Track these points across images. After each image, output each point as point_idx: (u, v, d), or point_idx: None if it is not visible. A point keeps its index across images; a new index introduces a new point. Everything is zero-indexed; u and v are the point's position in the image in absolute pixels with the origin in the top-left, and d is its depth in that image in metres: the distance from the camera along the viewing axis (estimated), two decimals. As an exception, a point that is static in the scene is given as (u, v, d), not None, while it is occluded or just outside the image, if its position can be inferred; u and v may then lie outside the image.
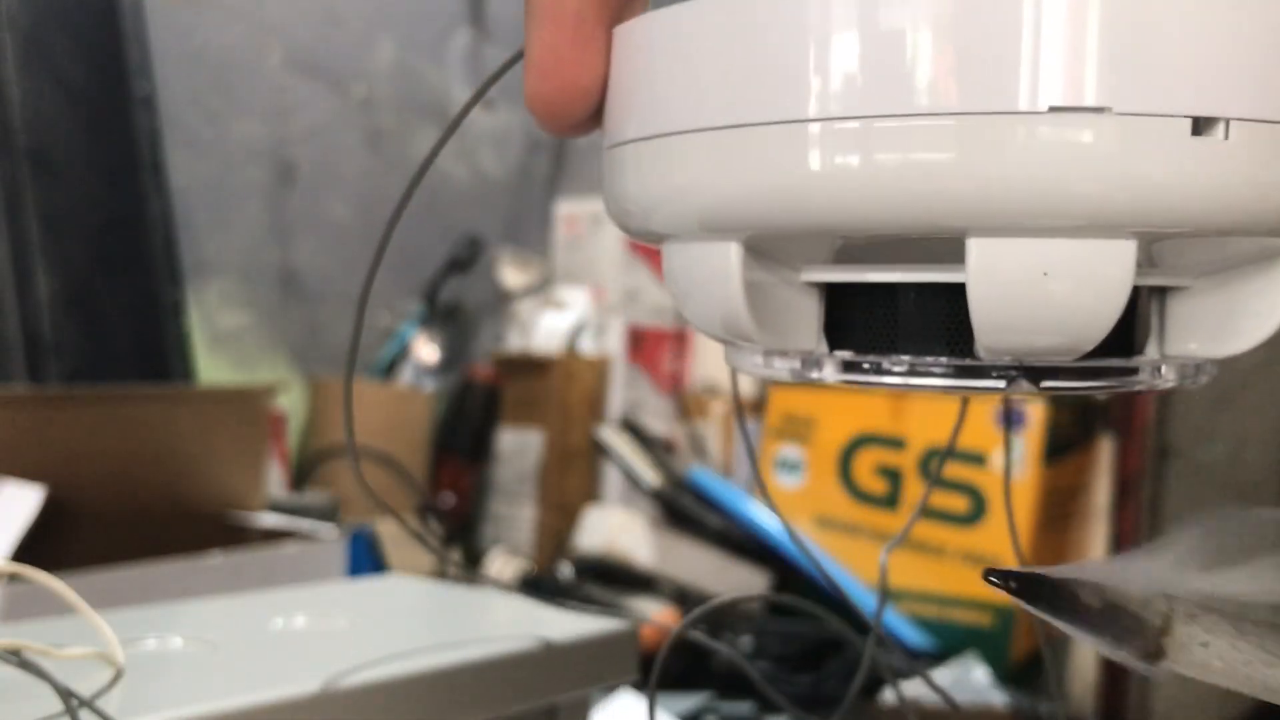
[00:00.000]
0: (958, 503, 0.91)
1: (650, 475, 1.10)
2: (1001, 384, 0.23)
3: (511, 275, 1.41)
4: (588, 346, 1.26)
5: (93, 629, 0.35)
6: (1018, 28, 0.20)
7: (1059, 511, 0.91)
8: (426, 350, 1.33)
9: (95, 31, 1.07)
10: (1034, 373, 0.23)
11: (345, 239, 1.34)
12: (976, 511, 0.91)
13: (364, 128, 1.36)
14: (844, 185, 0.21)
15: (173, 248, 1.11)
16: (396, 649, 0.37)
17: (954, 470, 0.91)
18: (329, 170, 1.32)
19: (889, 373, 0.24)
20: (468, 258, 1.37)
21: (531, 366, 1.24)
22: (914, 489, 0.94)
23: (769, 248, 0.24)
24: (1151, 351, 0.24)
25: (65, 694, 0.31)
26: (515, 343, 1.33)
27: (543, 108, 0.25)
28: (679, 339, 1.27)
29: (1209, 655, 0.20)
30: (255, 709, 0.33)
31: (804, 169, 0.21)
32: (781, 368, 0.25)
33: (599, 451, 1.18)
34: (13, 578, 0.53)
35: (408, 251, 1.36)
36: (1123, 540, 0.85)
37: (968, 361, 0.23)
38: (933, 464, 0.93)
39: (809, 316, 0.25)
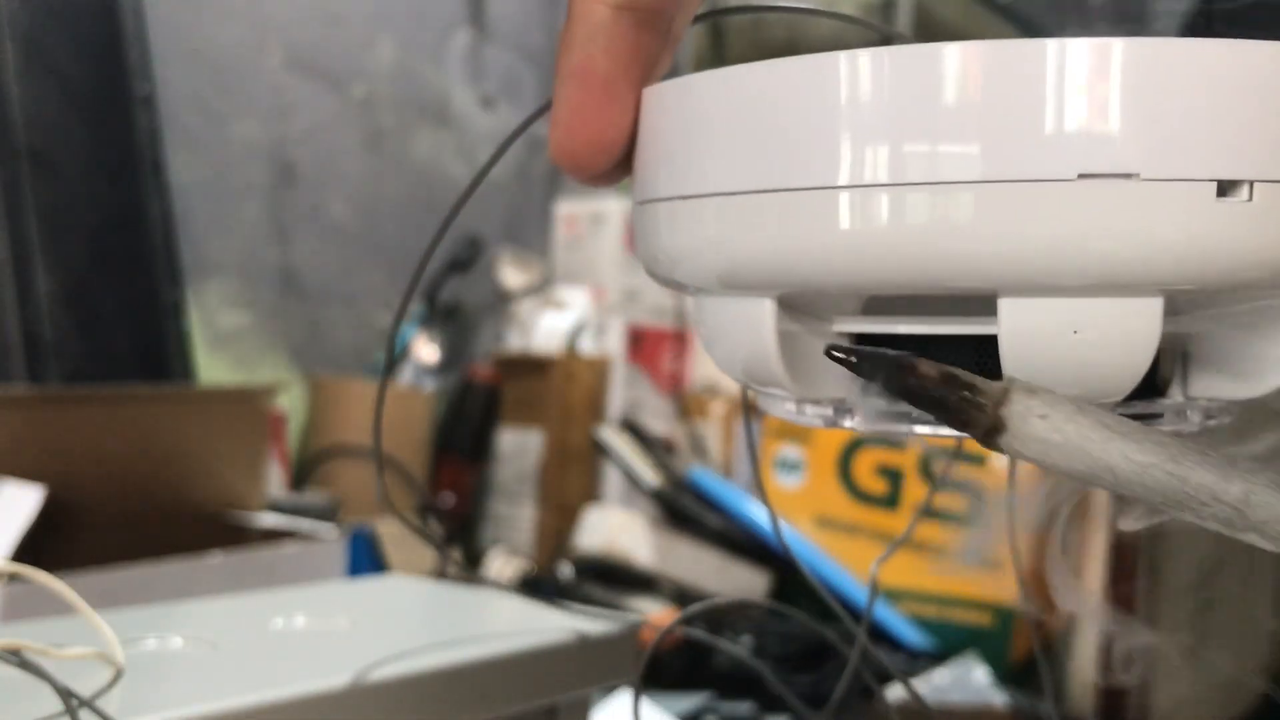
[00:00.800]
0: (958, 503, 0.91)
1: (650, 475, 1.10)
2: None
3: (511, 275, 1.41)
4: (588, 346, 1.26)
5: (93, 629, 0.35)
6: (1046, 97, 0.20)
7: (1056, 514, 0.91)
8: (426, 350, 1.33)
9: (95, 31, 1.07)
10: None
11: (345, 239, 1.34)
12: (977, 512, 0.91)
13: (364, 128, 1.36)
14: (875, 248, 0.22)
15: (173, 248, 1.11)
16: (396, 649, 0.37)
17: (954, 470, 0.91)
18: (329, 170, 1.32)
19: (920, 421, 0.24)
20: (468, 258, 1.36)
21: (531, 366, 1.24)
22: (914, 489, 0.94)
23: (801, 302, 0.24)
24: (1175, 394, 0.25)
25: (65, 694, 0.31)
26: (515, 343, 1.33)
27: (569, 161, 0.26)
28: (679, 339, 1.27)
29: (1048, 429, 0.20)
30: (255, 709, 0.33)
31: (834, 232, 0.22)
32: (814, 415, 0.26)
33: (599, 451, 1.18)
34: (13, 578, 0.53)
35: (407, 251, 1.36)
36: (1123, 541, 0.85)
37: None
38: (933, 464, 0.93)
39: (840, 366, 0.25)
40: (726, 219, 0.23)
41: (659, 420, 1.23)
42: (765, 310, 0.24)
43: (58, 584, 0.36)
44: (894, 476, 0.96)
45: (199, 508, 0.79)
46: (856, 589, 0.89)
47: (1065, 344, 0.22)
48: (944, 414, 0.21)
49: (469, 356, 1.41)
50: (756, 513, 1.00)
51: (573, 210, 1.37)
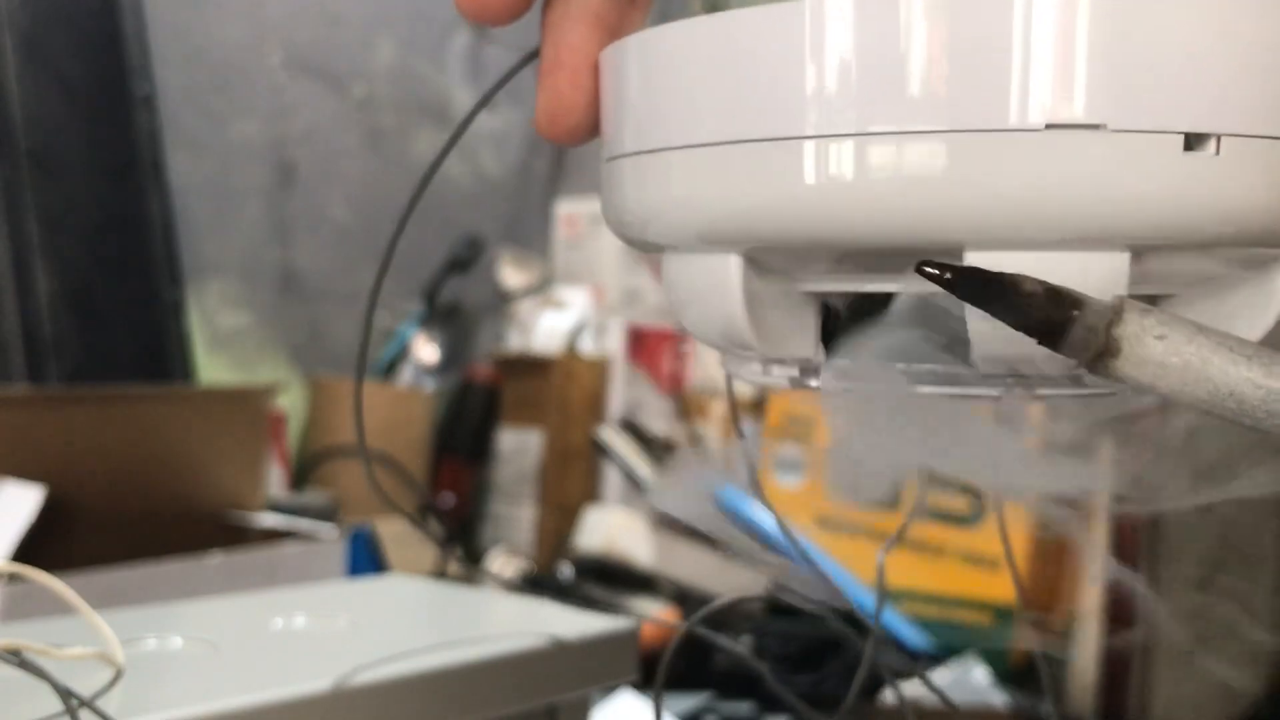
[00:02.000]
0: (958, 503, 0.91)
1: (650, 475, 1.10)
2: (996, 391, 0.23)
3: (511, 275, 1.41)
4: (588, 346, 1.26)
5: (93, 629, 0.35)
6: (1012, 46, 0.20)
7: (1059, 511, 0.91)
8: (426, 350, 1.33)
9: (95, 31, 1.07)
10: (1028, 380, 0.23)
11: (345, 239, 1.34)
12: (977, 512, 0.91)
13: (364, 128, 1.36)
14: (842, 201, 0.21)
15: (173, 248, 1.11)
16: (397, 649, 0.37)
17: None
18: (329, 170, 1.32)
19: (883, 380, 0.24)
20: (468, 258, 1.36)
21: (531, 366, 1.24)
22: (914, 489, 0.94)
23: (768, 259, 0.24)
24: None
25: (65, 694, 0.31)
26: (515, 343, 1.33)
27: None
28: (679, 339, 1.27)
29: (1166, 350, 0.19)
30: (255, 709, 0.33)
31: (800, 184, 0.22)
32: (779, 375, 0.26)
33: (599, 451, 1.18)
34: (13, 578, 0.53)
35: (408, 251, 1.36)
36: (1123, 540, 0.85)
37: (963, 370, 0.23)
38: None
39: (807, 325, 0.25)
40: (692, 172, 0.23)
41: (659, 420, 1.23)
42: (732, 266, 0.24)
43: (58, 584, 0.36)
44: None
45: (199, 508, 0.79)
46: (857, 589, 0.89)
47: None
48: (1050, 336, 0.19)
49: (469, 356, 1.41)
50: (756, 513, 1.00)
51: (573, 210, 1.37)
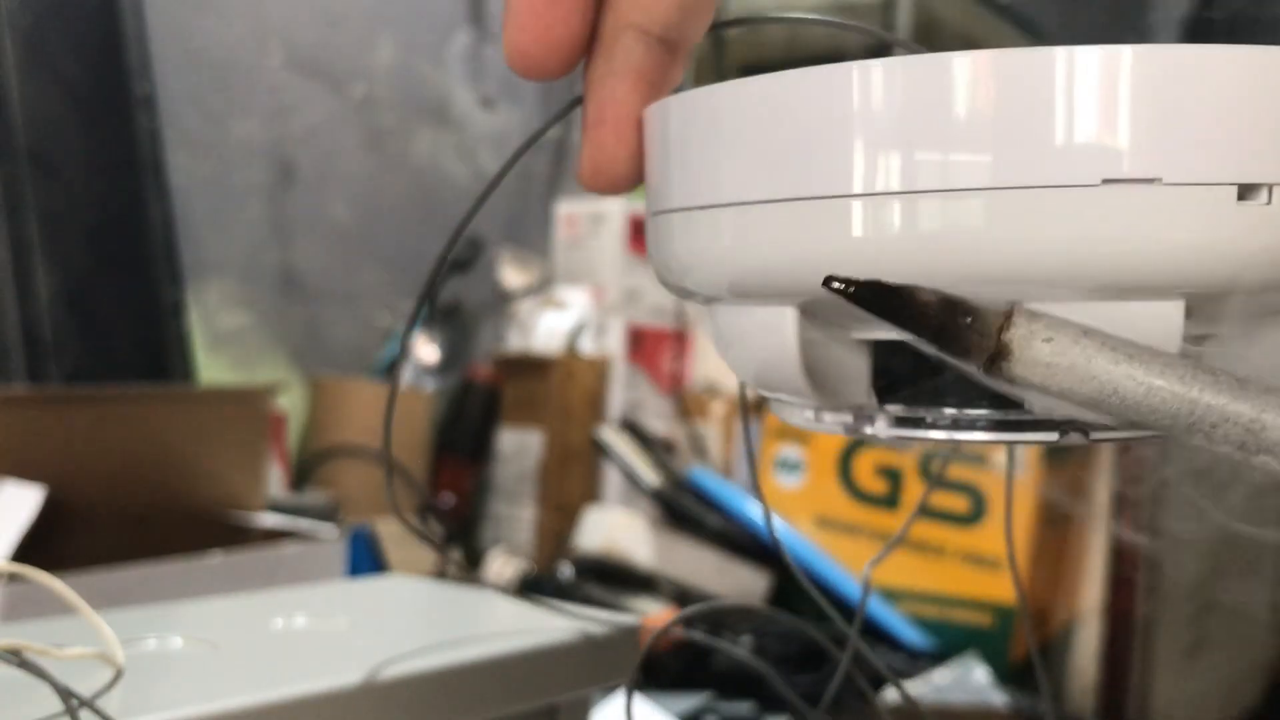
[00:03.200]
0: (958, 503, 0.91)
1: (650, 475, 1.10)
2: (1054, 436, 0.24)
3: (511, 275, 1.41)
4: (588, 346, 1.26)
5: (93, 629, 0.35)
6: (1065, 102, 0.21)
7: (1060, 512, 0.91)
8: (426, 350, 1.33)
9: (95, 31, 1.07)
10: (1081, 424, 0.24)
11: (345, 239, 1.34)
12: (976, 512, 0.91)
13: (364, 128, 1.36)
14: (890, 255, 0.22)
15: (173, 248, 1.11)
16: (397, 649, 0.37)
17: (954, 470, 0.91)
18: (329, 170, 1.32)
19: (937, 426, 0.24)
20: (468, 258, 1.36)
21: (531, 366, 1.24)
22: (914, 489, 0.94)
23: (821, 309, 0.24)
24: None
25: (65, 694, 0.31)
26: (515, 343, 1.33)
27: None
28: (679, 339, 1.27)
29: (1053, 352, 0.19)
30: (255, 709, 0.33)
31: (848, 238, 0.22)
32: (833, 423, 0.26)
33: (599, 451, 1.18)
34: (13, 578, 0.53)
35: (407, 251, 1.36)
36: (1123, 541, 0.85)
37: (1014, 415, 0.24)
38: (933, 464, 0.93)
39: (860, 373, 0.25)
40: (741, 228, 0.24)
41: (659, 420, 1.23)
42: (788, 319, 0.24)
43: (58, 584, 0.36)
44: (894, 476, 0.96)
45: (199, 508, 0.79)
46: (857, 589, 0.89)
47: None
48: (945, 343, 0.20)
49: (469, 356, 1.41)
50: (756, 513, 1.00)
51: (573, 210, 1.37)
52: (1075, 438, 0.24)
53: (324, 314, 1.32)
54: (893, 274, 0.22)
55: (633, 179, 0.27)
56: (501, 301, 1.41)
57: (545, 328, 1.28)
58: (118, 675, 0.34)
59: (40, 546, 0.66)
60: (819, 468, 0.99)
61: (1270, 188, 0.21)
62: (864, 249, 0.22)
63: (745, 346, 0.26)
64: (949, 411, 0.24)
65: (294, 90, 1.29)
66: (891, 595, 0.92)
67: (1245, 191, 0.21)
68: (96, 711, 0.31)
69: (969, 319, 0.20)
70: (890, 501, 0.96)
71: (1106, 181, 0.20)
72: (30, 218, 1.00)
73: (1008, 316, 0.20)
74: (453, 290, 1.39)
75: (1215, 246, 0.21)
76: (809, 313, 0.24)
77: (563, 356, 1.23)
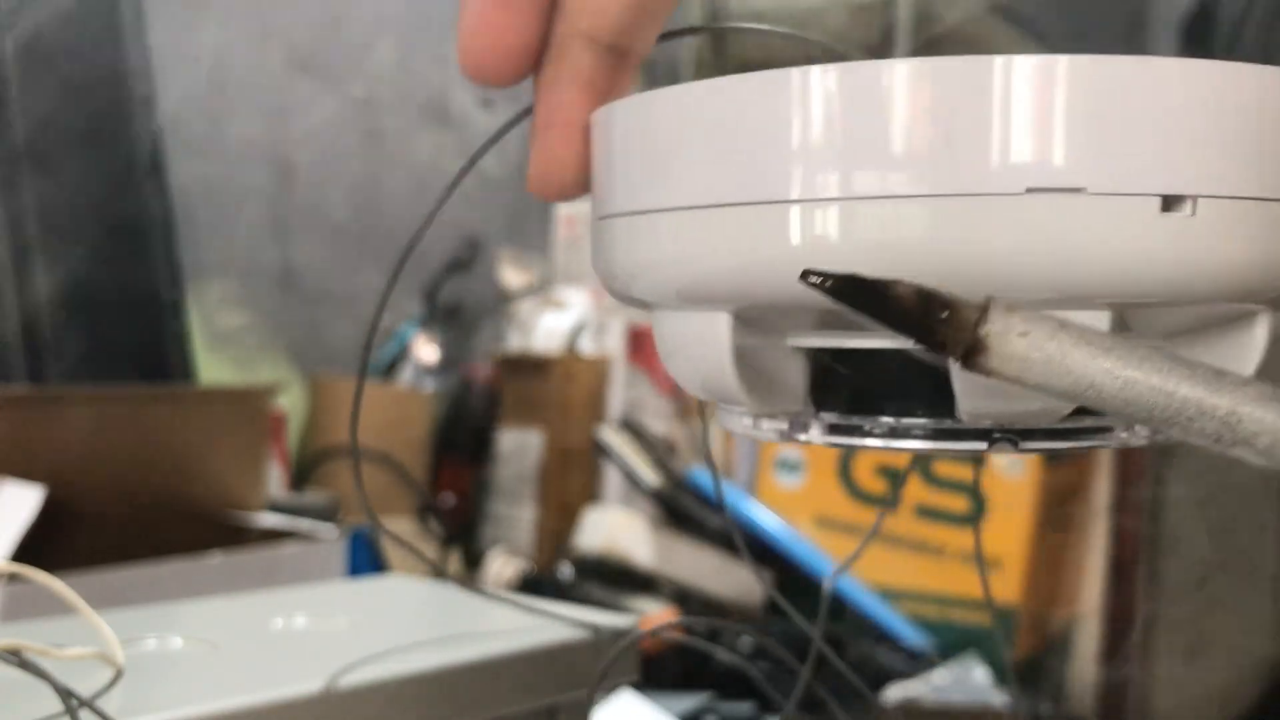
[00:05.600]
0: (958, 503, 0.91)
1: (650, 475, 1.10)
2: (983, 445, 0.24)
3: (511, 275, 1.41)
4: (588, 346, 1.26)
5: (93, 629, 0.35)
6: (992, 112, 0.21)
7: (1059, 512, 0.91)
8: (426, 350, 1.34)
9: (95, 31, 1.07)
10: (1012, 433, 0.24)
11: (345, 239, 1.34)
12: (977, 511, 0.91)
13: (364, 128, 1.36)
14: (827, 262, 0.22)
15: (173, 248, 1.11)
16: (396, 649, 0.37)
17: (954, 470, 0.91)
18: (329, 170, 1.32)
19: (872, 434, 0.25)
20: (468, 258, 1.37)
21: (531, 366, 1.24)
22: (914, 489, 0.94)
23: (756, 316, 0.24)
24: None
25: (65, 694, 0.31)
26: (515, 343, 1.33)
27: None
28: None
29: (1029, 346, 0.19)
30: (255, 709, 0.33)
31: (786, 245, 0.22)
32: (769, 429, 0.26)
33: (599, 451, 1.18)
34: (13, 578, 0.53)
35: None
36: (1123, 541, 0.85)
37: (948, 424, 0.24)
38: (932, 464, 0.93)
39: (795, 380, 0.26)
40: (682, 234, 0.24)
41: (659, 420, 1.23)
42: (721, 324, 0.24)
43: (58, 584, 0.36)
44: (894, 476, 0.96)
45: (199, 508, 0.79)
46: (856, 589, 0.89)
47: None
48: (921, 336, 0.20)
49: (469, 356, 1.41)
50: (757, 513, 1.00)
51: (573, 210, 1.37)
52: (1005, 447, 0.24)
53: (323, 314, 1.32)
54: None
55: (580, 185, 0.27)
56: (501, 301, 1.41)
57: (545, 328, 1.28)
58: (117, 675, 0.34)
59: (40, 546, 0.66)
60: (819, 468, 0.99)
61: (1194, 199, 0.21)
62: (801, 255, 0.22)
63: (683, 353, 0.26)
64: (885, 420, 0.24)
65: (294, 90, 1.29)
66: (891, 595, 0.92)
67: (1170, 202, 0.21)
68: (96, 711, 0.31)
69: (945, 313, 0.20)
70: (890, 501, 0.96)
71: (1031, 190, 0.20)
72: (30, 218, 1.00)
73: (984, 310, 0.20)
74: (453, 290, 1.39)
75: (1139, 257, 0.21)
76: (745, 319, 0.24)
77: (563, 356, 1.23)
